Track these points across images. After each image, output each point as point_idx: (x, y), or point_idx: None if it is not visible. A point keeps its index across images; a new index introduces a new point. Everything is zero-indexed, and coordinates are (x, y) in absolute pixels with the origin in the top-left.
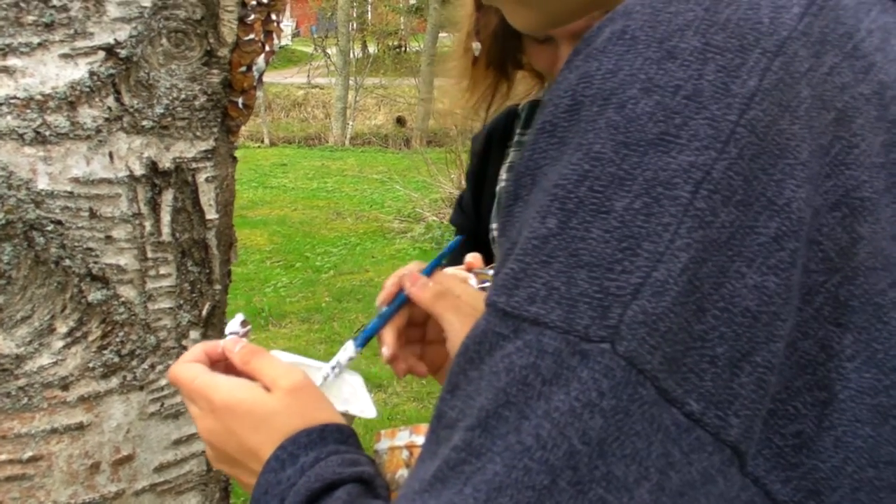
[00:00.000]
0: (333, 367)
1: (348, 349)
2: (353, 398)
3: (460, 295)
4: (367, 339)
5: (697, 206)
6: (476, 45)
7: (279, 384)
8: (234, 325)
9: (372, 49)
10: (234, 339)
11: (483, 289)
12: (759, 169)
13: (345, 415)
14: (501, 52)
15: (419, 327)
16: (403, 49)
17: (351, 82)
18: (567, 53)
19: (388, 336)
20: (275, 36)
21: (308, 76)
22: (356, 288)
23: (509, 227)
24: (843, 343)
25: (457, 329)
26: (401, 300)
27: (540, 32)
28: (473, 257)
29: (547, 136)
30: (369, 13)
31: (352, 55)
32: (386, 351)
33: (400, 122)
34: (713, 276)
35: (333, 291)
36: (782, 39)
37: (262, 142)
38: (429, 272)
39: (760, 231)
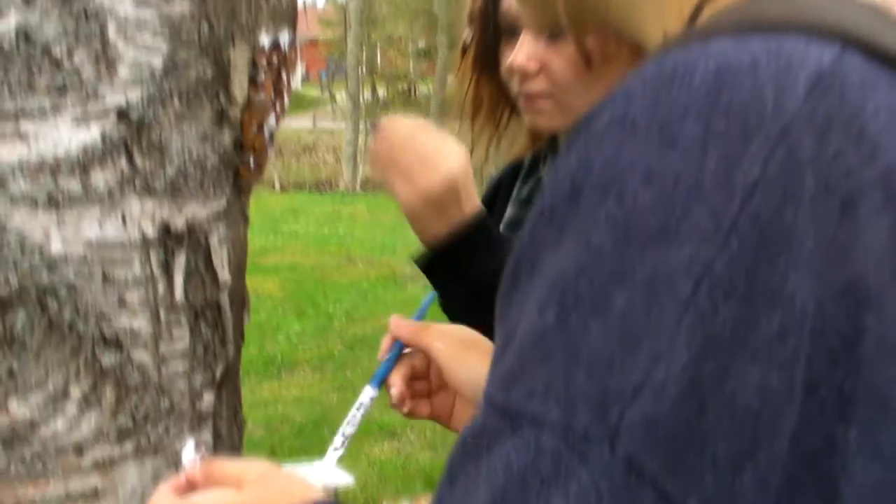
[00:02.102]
0: (357, 408)
1: (367, 392)
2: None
3: (441, 328)
4: (383, 378)
5: (698, 302)
6: (466, 33)
7: (246, 478)
8: (188, 452)
9: (382, 93)
10: (192, 463)
11: None
12: (761, 261)
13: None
14: (486, 44)
15: (424, 379)
16: (413, 93)
17: (361, 126)
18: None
19: (395, 378)
20: (285, 95)
21: (313, 120)
22: (368, 335)
23: (507, 312)
24: (847, 437)
25: (445, 355)
26: (400, 345)
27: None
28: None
29: (546, 222)
30: (378, 57)
31: (361, 99)
32: (394, 391)
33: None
34: (715, 373)
35: (346, 339)
36: (785, 125)
37: (273, 187)
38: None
39: (763, 325)
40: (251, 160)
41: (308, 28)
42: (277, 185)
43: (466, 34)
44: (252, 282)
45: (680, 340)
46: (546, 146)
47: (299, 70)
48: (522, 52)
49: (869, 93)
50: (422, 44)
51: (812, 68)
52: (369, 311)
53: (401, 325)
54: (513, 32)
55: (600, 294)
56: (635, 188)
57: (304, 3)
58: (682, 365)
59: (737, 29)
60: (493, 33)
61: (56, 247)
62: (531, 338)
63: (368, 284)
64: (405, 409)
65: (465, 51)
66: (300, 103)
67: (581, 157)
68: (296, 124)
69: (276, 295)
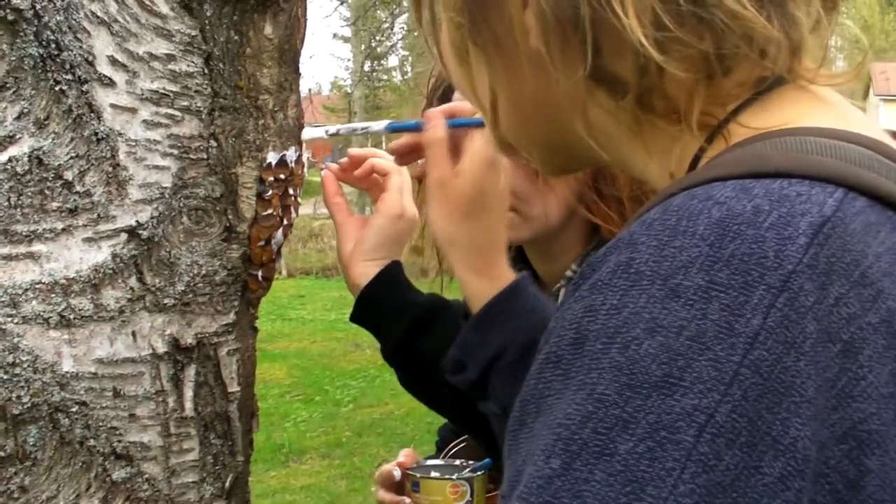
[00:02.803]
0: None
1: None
2: None
3: None
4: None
5: (701, 450)
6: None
7: None
8: None
9: None
10: None
11: (415, 486)
12: (763, 409)
13: None
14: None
15: None
16: (419, 179)
17: (367, 211)
18: None
19: None
20: (293, 209)
21: (314, 206)
22: (376, 421)
23: (515, 453)
24: None
25: None
26: None
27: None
28: (406, 455)
29: (552, 368)
30: (384, 143)
31: None
32: None
33: (416, 251)
34: None
35: (353, 425)
36: (787, 274)
37: (280, 273)
38: None
39: (765, 472)
40: (259, 274)
41: (314, 114)
42: (284, 272)
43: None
44: (260, 369)
45: (683, 488)
46: (513, 258)
47: (305, 157)
48: None
49: (871, 238)
50: None
51: (814, 216)
52: (377, 397)
53: None
54: None
55: (605, 441)
56: (639, 338)
57: (310, 90)
58: None
59: (740, 175)
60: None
61: (67, 365)
62: (537, 483)
63: (376, 370)
64: None
65: (420, 178)
66: (306, 190)
67: (586, 304)
68: (302, 211)
69: (283, 382)
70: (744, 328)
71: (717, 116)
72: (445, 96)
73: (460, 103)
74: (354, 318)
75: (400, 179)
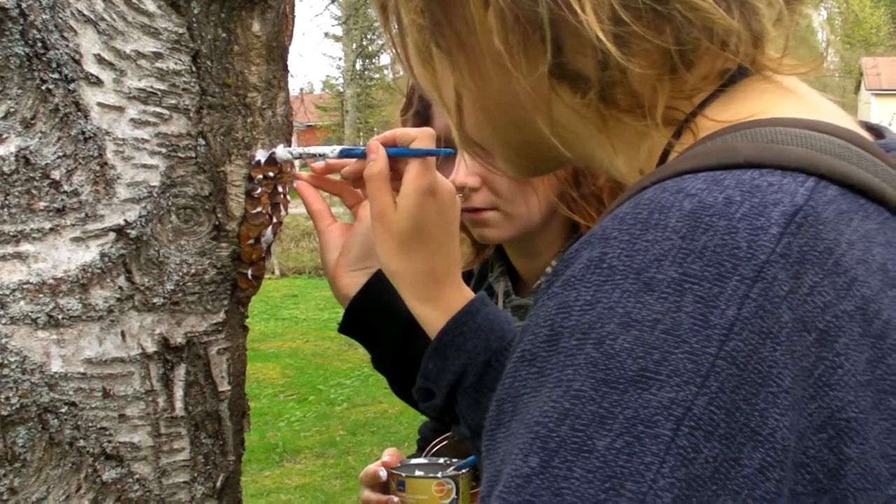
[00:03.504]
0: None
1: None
2: None
3: None
4: None
5: (679, 443)
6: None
7: None
8: None
9: None
10: None
11: (400, 485)
12: (741, 400)
13: None
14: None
15: None
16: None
17: None
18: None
19: None
20: (282, 207)
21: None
22: (370, 420)
23: (493, 452)
24: None
25: None
26: None
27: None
28: (390, 454)
29: (527, 366)
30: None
31: None
32: None
33: None
34: None
35: (347, 424)
36: (760, 264)
37: (273, 273)
38: None
39: (745, 463)
40: (249, 272)
41: (305, 114)
42: (277, 271)
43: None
44: (253, 368)
45: (662, 482)
46: (493, 256)
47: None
48: (462, 170)
49: (843, 226)
50: None
51: (786, 205)
52: (371, 396)
53: None
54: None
55: (582, 437)
56: (614, 332)
57: (301, 89)
58: None
59: (711, 167)
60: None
61: (56, 365)
62: (516, 482)
63: (370, 369)
64: None
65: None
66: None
67: (559, 300)
68: (293, 210)
69: (276, 381)
70: (719, 319)
71: (683, 110)
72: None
73: (402, 129)
74: (343, 329)
75: None
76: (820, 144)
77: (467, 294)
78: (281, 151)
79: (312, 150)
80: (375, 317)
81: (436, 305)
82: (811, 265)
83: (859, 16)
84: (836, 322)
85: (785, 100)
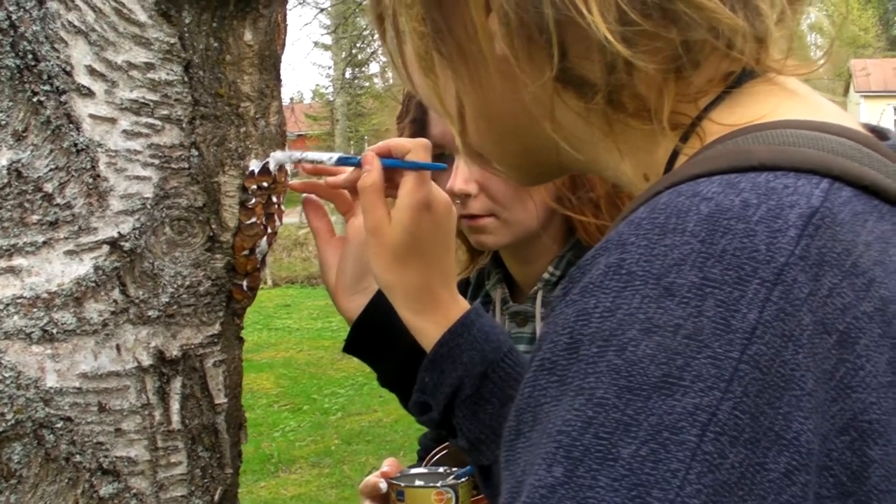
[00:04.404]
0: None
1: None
2: None
3: None
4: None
5: (705, 449)
6: None
7: None
8: None
9: None
10: None
11: (399, 495)
12: (765, 404)
13: None
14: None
15: None
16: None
17: None
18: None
19: None
20: (276, 217)
21: (300, 215)
22: (365, 429)
23: (513, 463)
24: None
25: None
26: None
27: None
28: (389, 464)
29: (546, 374)
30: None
31: None
32: None
33: None
34: None
35: (342, 433)
36: (780, 266)
37: (266, 283)
38: None
39: (770, 468)
40: (244, 283)
41: (296, 124)
42: (269, 281)
43: None
44: (247, 379)
45: (689, 489)
46: (490, 263)
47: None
48: (460, 177)
49: (859, 227)
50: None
51: (803, 207)
52: (365, 405)
53: None
54: (443, 159)
55: (607, 445)
56: (636, 339)
57: (292, 98)
58: None
59: (724, 170)
60: None
61: (51, 380)
62: (540, 492)
63: (364, 378)
64: None
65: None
66: (290, 198)
67: (578, 308)
68: (286, 220)
69: (270, 391)
70: (740, 323)
71: (688, 114)
72: (422, 104)
73: (397, 140)
74: (348, 349)
75: None
76: (831, 146)
77: (463, 305)
78: (279, 155)
79: (310, 155)
80: (378, 338)
81: (431, 318)
82: (830, 267)
83: (848, 17)
84: (856, 324)
85: (790, 102)
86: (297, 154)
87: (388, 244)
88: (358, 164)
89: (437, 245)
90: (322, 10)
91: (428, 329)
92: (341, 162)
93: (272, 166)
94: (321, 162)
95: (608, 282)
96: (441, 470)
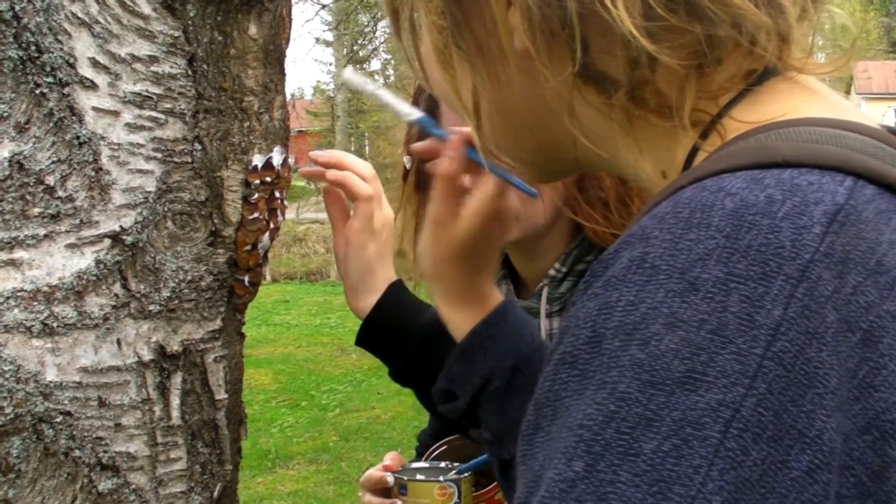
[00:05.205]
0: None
1: None
2: None
3: None
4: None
5: (728, 445)
6: (407, 159)
7: None
8: None
9: None
10: None
11: (402, 489)
12: (788, 401)
13: None
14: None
15: None
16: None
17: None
18: None
19: None
20: (279, 213)
21: (296, 211)
22: (363, 426)
23: (531, 457)
24: None
25: None
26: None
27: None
28: (391, 458)
29: (568, 368)
30: (367, 147)
31: None
32: None
33: (401, 254)
34: None
35: (340, 430)
36: (805, 263)
37: (265, 278)
38: None
39: (793, 465)
40: (246, 279)
41: (297, 119)
42: (268, 277)
43: (406, 159)
44: (245, 374)
45: (711, 486)
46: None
47: (289, 160)
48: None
49: (883, 225)
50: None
51: (828, 204)
52: (363, 401)
53: None
54: None
55: (629, 440)
56: (659, 333)
57: (293, 94)
58: None
59: (748, 166)
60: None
61: (51, 374)
62: (560, 486)
63: (362, 375)
64: None
65: (405, 176)
66: (290, 195)
67: (601, 301)
68: (287, 215)
69: (269, 387)
70: (765, 319)
71: (708, 112)
72: (432, 97)
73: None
74: (360, 342)
75: (369, 207)
76: (854, 144)
77: (498, 300)
78: (356, 79)
79: (387, 97)
80: (387, 336)
81: (468, 312)
82: (854, 264)
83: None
84: (879, 322)
85: (811, 100)
86: (372, 86)
87: (447, 241)
88: (440, 137)
89: (492, 252)
90: (324, 6)
91: (462, 322)
92: (422, 126)
93: (351, 82)
94: (399, 110)
95: (631, 276)
96: (443, 465)
